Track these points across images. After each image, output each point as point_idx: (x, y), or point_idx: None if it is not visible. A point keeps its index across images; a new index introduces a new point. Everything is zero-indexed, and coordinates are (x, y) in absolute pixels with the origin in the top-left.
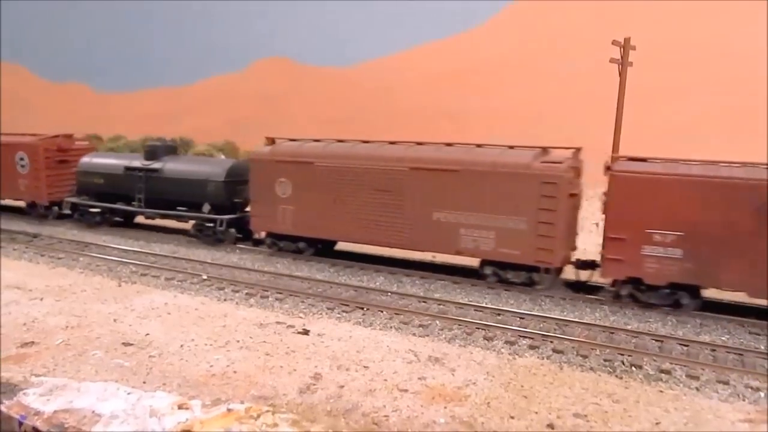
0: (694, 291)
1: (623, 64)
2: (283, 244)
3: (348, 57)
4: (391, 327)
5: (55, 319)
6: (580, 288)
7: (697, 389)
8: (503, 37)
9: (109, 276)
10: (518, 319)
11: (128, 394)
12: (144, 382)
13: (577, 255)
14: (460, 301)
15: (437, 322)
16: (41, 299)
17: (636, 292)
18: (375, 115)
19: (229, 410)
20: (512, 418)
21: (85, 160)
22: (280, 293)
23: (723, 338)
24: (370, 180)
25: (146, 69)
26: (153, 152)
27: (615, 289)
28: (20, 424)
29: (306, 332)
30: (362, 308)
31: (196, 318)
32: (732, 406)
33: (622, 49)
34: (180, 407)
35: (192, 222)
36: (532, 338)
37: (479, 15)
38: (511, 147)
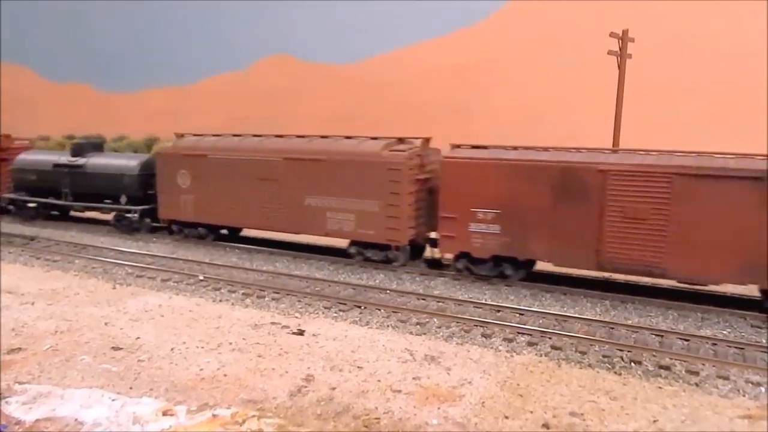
0: (516, 263)
1: (622, 56)
2: (187, 231)
3: (350, 54)
4: (387, 326)
5: (45, 323)
6: (435, 264)
7: (697, 385)
8: (505, 33)
9: (104, 278)
10: (518, 315)
11: (113, 400)
12: (131, 388)
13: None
14: (460, 297)
15: (435, 319)
16: (32, 303)
17: (470, 265)
18: (377, 112)
19: (214, 416)
20: (507, 417)
21: (20, 157)
22: (277, 293)
23: (724, 332)
24: (254, 170)
25: (149, 69)
26: (79, 149)
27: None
28: None
29: (301, 332)
30: (360, 307)
31: (189, 320)
32: (731, 401)
33: (620, 42)
34: (165, 413)
35: (113, 213)
36: (530, 335)
37: (480, 11)
38: (374, 138)
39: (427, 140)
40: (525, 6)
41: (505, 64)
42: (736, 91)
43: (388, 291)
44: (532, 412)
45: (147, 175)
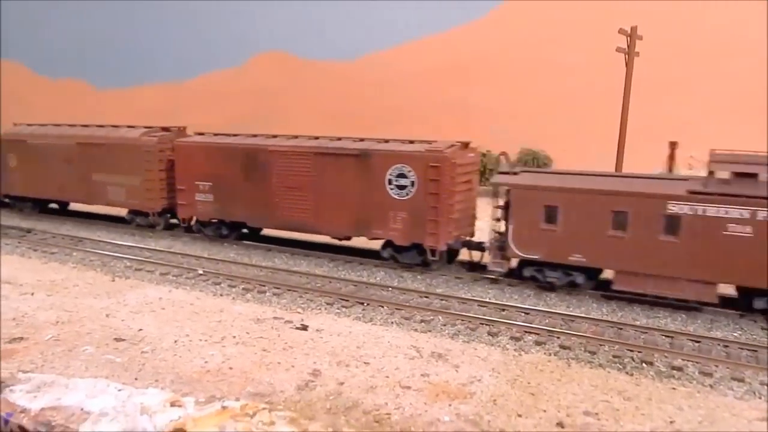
0: (228, 225)
1: (630, 53)
2: (18, 204)
3: (347, 51)
4: (392, 322)
5: (45, 314)
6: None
7: (711, 386)
8: (505, 29)
9: (102, 271)
10: (523, 314)
11: (119, 390)
12: (135, 379)
13: None
14: (463, 296)
15: (440, 317)
16: (32, 294)
17: (201, 228)
18: (375, 109)
19: (223, 407)
20: (520, 416)
21: None
22: (278, 288)
23: (735, 334)
24: (57, 153)
25: (145, 65)
26: None
27: (186, 225)
28: (6, 422)
29: (304, 328)
30: (362, 303)
31: (190, 313)
32: (748, 404)
33: (628, 39)
34: (172, 404)
35: None
36: (537, 334)
37: (480, 7)
38: (149, 127)
39: (182, 129)
40: (524, 3)
41: (505, 62)
42: (744, 86)
43: (389, 288)
44: (545, 410)
45: None
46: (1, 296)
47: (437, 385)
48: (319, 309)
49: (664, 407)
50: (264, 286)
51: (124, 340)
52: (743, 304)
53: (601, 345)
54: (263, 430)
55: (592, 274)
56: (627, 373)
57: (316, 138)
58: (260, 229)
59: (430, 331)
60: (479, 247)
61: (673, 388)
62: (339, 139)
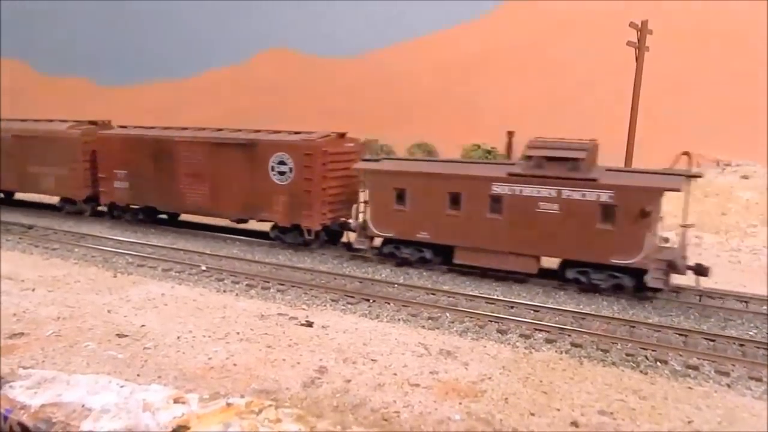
0: (143, 210)
1: (640, 48)
2: None
3: (352, 47)
4: (399, 319)
5: (46, 309)
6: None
7: (729, 386)
8: (512, 25)
9: (104, 267)
10: (532, 311)
11: (121, 387)
12: (138, 375)
13: None
14: (470, 293)
15: (447, 314)
16: (33, 290)
17: (121, 213)
18: (380, 106)
19: (228, 404)
20: (533, 414)
21: None
22: (282, 284)
23: (750, 333)
24: (3, 146)
25: (147, 62)
26: None
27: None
28: (5, 418)
29: (309, 324)
30: (368, 300)
31: (194, 309)
32: (767, 403)
33: (639, 33)
34: (176, 401)
35: None
36: (548, 331)
37: (487, 3)
38: (77, 121)
39: (107, 122)
40: None
41: (513, 58)
42: (755, 81)
43: (395, 285)
44: (558, 409)
45: None
46: (3, 292)
47: (447, 383)
48: (324, 306)
49: (681, 407)
50: (268, 282)
51: (126, 336)
52: (561, 275)
53: (613, 343)
54: (269, 427)
55: (439, 249)
56: (641, 371)
57: (220, 130)
58: (177, 215)
59: (437, 328)
60: (349, 228)
61: (690, 388)
62: (239, 130)
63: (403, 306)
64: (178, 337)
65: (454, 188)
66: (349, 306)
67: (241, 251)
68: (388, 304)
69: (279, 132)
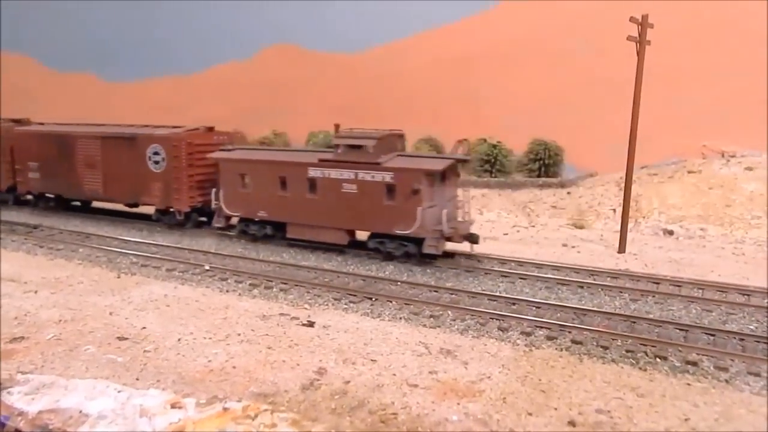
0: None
1: (641, 42)
2: None
3: (357, 42)
4: (400, 318)
5: (48, 312)
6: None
7: (727, 381)
8: (516, 19)
9: (108, 267)
10: (534, 308)
11: (118, 392)
12: (137, 379)
13: None
14: (473, 290)
15: (449, 312)
16: (35, 292)
17: (39, 201)
18: (385, 101)
19: (225, 409)
20: (530, 414)
21: None
22: (285, 283)
23: (751, 327)
24: None
25: (153, 58)
26: None
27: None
28: (3, 425)
29: (311, 324)
30: (370, 298)
31: (196, 310)
32: (765, 399)
33: (639, 27)
34: (173, 406)
35: None
36: (549, 328)
37: None
38: (3, 119)
39: (25, 120)
40: None
41: (516, 53)
42: (759, 74)
43: (398, 282)
44: (556, 408)
45: None
46: (5, 295)
47: (445, 383)
48: (327, 305)
49: (678, 404)
50: (271, 281)
51: (126, 339)
52: (368, 246)
53: (613, 339)
54: None
55: (277, 226)
56: (640, 368)
57: (118, 126)
58: (90, 202)
59: (439, 326)
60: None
61: (688, 384)
62: (132, 126)
63: (406, 304)
64: (179, 340)
65: (282, 173)
66: (352, 305)
67: (246, 249)
68: (391, 302)
69: (158, 126)
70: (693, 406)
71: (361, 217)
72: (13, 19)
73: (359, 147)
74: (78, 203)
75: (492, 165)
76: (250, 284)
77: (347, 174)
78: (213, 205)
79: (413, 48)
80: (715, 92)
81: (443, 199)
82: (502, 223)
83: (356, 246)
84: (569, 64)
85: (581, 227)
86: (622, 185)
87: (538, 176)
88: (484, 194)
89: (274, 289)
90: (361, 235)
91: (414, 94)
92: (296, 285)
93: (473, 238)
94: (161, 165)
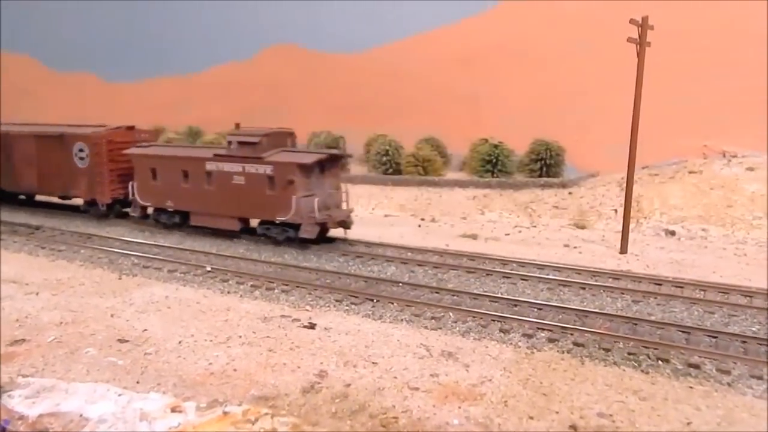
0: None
1: (641, 44)
2: None
3: (357, 43)
4: (402, 320)
5: (49, 314)
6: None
7: (729, 385)
8: (516, 20)
9: (109, 268)
10: (536, 310)
11: (119, 395)
12: (137, 382)
13: None
14: (475, 291)
15: (450, 313)
16: (37, 294)
17: None
18: (386, 101)
19: (225, 413)
20: (531, 418)
21: None
22: (287, 285)
23: (753, 329)
24: None
25: (154, 58)
26: None
27: None
28: (3, 429)
29: (312, 326)
30: (372, 300)
31: (197, 312)
32: (767, 403)
33: (639, 29)
34: (173, 410)
35: None
36: (551, 330)
37: None
38: None
39: None
40: None
41: (516, 53)
42: (759, 74)
43: (400, 284)
44: (557, 412)
45: None
46: (7, 296)
47: (447, 386)
48: (328, 306)
49: (680, 407)
50: (272, 282)
51: (127, 341)
52: (258, 232)
53: (615, 342)
54: None
55: (184, 215)
56: (642, 371)
57: (53, 125)
58: (33, 196)
59: (440, 328)
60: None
61: (690, 387)
62: (62, 125)
63: (407, 306)
64: (180, 342)
65: (185, 167)
66: (353, 306)
67: (248, 250)
68: (392, 303)
69: (84, 126)
70: (695, 410)
71: (249, 206)
72: (13, 19)
73: (247, 143)
74: (23, 197)
75: (493, 165)
76: (251, 285)
77: (237, 167)
78: (130, 197)
79: (413, 48)
80: (716, 92)
81: (321, 189)
82: (503, 223)
83: (247, 232)
84: (570, 64)
85: (583, 228)
86: (624, 185)
87: (540, 176)
88: (486, 194)
89: (276, 291)
90: (254, 222)
91: (414, 94)
92: (298, 286)
93: (346, 225)
94: (86, 161)
